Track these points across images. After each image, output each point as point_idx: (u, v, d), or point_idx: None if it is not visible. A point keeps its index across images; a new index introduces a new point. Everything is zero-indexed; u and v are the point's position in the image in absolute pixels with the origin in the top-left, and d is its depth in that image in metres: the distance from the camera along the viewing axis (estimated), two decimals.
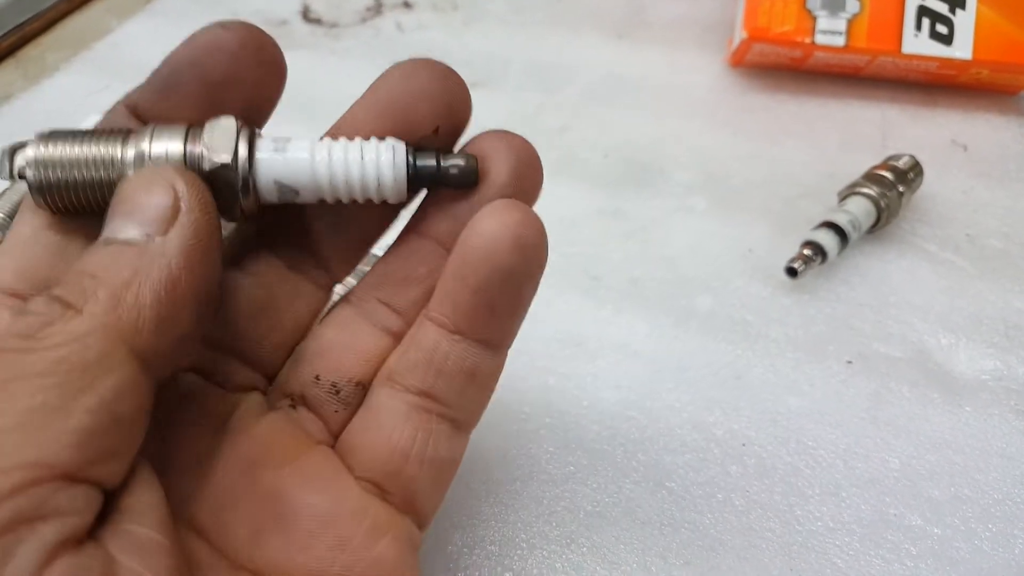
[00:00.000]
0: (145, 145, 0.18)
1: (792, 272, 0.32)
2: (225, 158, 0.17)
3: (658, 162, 0.39)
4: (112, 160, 0.18)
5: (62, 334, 0.15)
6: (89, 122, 0.36)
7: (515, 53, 0.46)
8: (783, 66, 0.43)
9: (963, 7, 0.39)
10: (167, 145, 0.18)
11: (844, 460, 0.27)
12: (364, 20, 0.48)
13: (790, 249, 0.33)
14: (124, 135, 0.18)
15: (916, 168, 0.35)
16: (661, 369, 0.30)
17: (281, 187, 0.18)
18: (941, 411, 0.29)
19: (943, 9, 0.39)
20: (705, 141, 0.40)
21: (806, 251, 0.32)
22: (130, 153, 0.18)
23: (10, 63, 0.45)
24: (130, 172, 0.18)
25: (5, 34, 0.46)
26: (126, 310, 0.16)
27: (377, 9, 0.49)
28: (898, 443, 0.28)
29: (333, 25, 0.48)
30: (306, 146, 0.18)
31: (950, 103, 0.42)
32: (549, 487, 0.26)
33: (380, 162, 0.18)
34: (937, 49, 0.39)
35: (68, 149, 0.18)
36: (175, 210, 0.17)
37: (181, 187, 0.17)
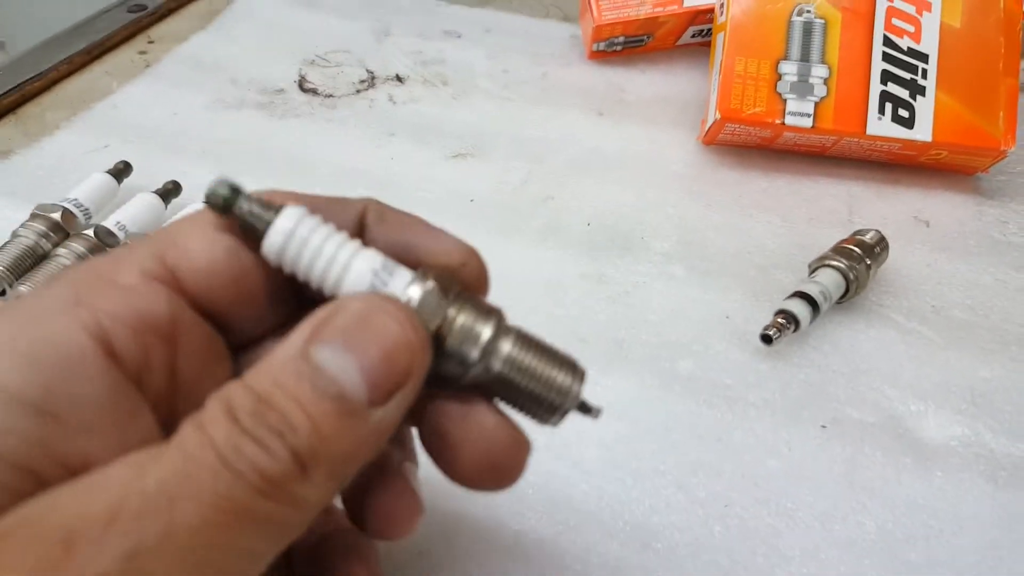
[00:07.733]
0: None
1: (767, 339, 0.33)
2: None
3: (638, 231, 0.41)
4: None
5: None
6: (88, 180, 0.36)
7: (502, 126, 0.48)
8: (754, 144, 0.45)
9: (923, 94, 0.42)
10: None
11: (822, 522, 0.28)
12: (358, 92, 0.50)
13: (765, 316, 0.34)
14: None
15: (882, 242, 0.37)
16: (646, 430, 0.31)
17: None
18: (914, 475, 0.30)
19: (904, 95, 0.42)
20: (682, 212, 0.42)
21: (780, 319, 0.33)
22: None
23: (10, 120, 0.46)
24: None
25: (6, 92, 0.47)
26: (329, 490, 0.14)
27: (370, 82, 0.51)
28: (874, 506, 0.29)
29: (328, 95, 0.49)
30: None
31: (912, 181, 0.45)
32: (537, 547, 0.27)
33: None
34: (899, 131, 0.42)
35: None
36: (410, 382, 0.15)
37: (420, 356, 0.15)
